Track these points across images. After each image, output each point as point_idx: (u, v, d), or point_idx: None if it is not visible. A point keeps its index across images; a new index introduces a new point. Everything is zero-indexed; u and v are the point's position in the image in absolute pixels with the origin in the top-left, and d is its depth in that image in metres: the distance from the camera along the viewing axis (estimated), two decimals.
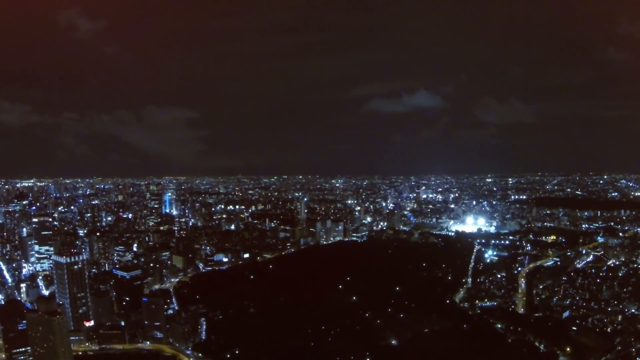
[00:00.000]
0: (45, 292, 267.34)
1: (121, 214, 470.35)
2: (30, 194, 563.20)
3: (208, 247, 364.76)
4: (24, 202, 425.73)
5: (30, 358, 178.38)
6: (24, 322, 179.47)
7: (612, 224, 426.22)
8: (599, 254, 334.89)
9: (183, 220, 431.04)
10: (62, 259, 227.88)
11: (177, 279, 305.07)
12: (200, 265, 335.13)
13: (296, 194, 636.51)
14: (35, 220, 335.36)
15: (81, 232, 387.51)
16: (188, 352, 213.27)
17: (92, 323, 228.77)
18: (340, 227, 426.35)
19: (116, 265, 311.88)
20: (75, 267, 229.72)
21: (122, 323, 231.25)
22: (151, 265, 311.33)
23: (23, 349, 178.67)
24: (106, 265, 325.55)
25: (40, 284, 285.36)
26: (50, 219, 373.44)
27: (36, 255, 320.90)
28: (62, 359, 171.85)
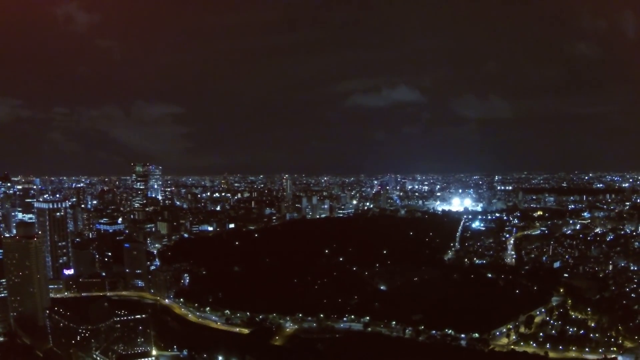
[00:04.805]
0: None
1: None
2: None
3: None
4: (9, 184, 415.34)
5: (5, 292, 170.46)
6: (0, 251, 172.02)
7: (598, 204, 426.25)
8: (586, 222, 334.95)
9: (169, 197, 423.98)
10: (44, 205, 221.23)
11: (162, 245, 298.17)
12: (186, 236, 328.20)
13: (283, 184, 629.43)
14: (19, 187, 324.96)
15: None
16: (170, 298, 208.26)
17: (72, 272, 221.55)
18: (326, 206, 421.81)
19: None
20: (58, 214, 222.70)
21: (103, 274, 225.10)
22: (135, 234, 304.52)
23: None
24: (90, 235, 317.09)
25: None
26: (35, 187, 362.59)
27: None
28: (37, 287, 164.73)
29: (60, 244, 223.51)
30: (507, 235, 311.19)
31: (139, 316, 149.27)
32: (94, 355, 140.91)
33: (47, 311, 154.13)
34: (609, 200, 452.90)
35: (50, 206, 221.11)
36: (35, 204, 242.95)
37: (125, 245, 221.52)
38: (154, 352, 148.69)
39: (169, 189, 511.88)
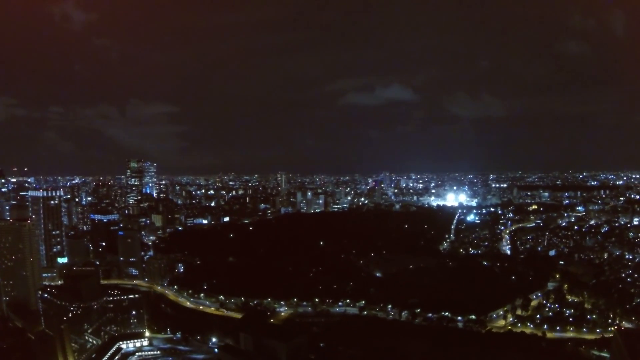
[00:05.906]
0: None
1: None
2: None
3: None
4: (3, 181, 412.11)
5: None
6: None
7: (592, 200, 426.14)
8: (580, 215, 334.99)
9: (163, 191, 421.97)
10: (39, 193, 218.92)
11: (156, 237, 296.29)
12: (180, 229, 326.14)
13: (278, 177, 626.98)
14: (14, 180, 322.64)
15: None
16: (164, 286, 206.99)
17: (66, 260, 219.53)
18: (321, 200, 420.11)
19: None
20: (52, 202, 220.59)
21: (97, 263, 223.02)
22: (129, 226, 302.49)
23: None
24: (84, 228, 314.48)
25: None
26: (29, 180, 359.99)
27: None
28: (29, 270, 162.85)
29: (54, 232, 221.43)
30: (502, 228, 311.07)
31: (132, 296, 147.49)
32: (86, 336, 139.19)
33: (40, 292, 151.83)
34: (604, 196, 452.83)
35: (45, 194, 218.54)
36: (30, 193, 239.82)
37: (120, 233, 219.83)
38: (147, 334, 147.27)
39: (163, 182, 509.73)
